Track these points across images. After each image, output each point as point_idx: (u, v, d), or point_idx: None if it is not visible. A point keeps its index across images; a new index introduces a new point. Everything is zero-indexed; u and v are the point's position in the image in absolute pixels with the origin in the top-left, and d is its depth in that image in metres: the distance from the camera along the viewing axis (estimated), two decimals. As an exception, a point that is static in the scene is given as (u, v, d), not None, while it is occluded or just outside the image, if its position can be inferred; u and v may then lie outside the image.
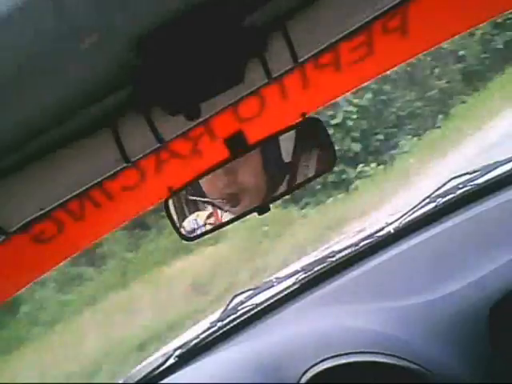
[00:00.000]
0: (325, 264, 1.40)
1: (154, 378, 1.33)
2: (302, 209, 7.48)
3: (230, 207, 0.92)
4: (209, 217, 0.94)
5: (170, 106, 0.68)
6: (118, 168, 0.77)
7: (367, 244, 1.40)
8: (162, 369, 1.34)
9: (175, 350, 1.38)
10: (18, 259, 0.89)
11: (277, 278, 1.47)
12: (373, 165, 7.84)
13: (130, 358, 5.11)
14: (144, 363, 1.46)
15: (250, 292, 1.45)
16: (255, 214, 0.91)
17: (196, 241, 0.94)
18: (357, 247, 1.41)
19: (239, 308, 1.40)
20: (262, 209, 0.89)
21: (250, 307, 1.38)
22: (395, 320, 1.18)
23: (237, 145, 0.85)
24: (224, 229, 0.93)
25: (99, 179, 0.77)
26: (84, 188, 0.77)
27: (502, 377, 1.06)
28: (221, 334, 1.35)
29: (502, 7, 0.91)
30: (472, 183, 1.42)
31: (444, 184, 1.48)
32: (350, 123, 8.16)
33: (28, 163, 0.70)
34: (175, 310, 5.89)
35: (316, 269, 1.39)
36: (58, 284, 6.87)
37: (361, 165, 7.89)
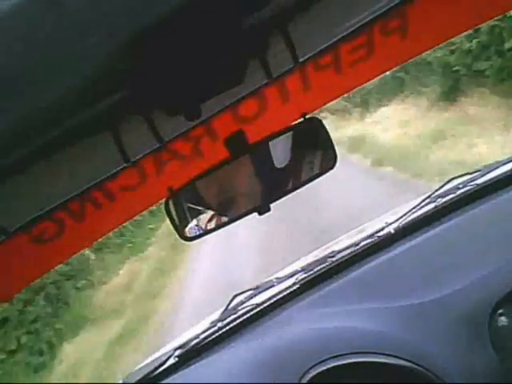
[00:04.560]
0: (325, 264, 1.40)
1: (153, 377, 1.33)
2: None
3: (230, 207, 0.92)
4: (209, 216, 0.94)
5: (169, 106, 0.68)
6: (118, 168, 0.77)
7: (367, 244, 1.40)
8: (162, 369, 1.34)
9: (175, 349, 1.38)
10: (18, 259, 0.89)
11: (277, 278, 1.47)
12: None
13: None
14: (144, 363, 1.46)
15: (250, 292, 1.45)
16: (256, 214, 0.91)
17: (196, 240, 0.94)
18: (357, 247, 1.41)
19: (239, 308, 1.40)
20: (263, 209, 0.89)
21: (250, 307, 1.38)
22: (395, 320, 1.18)
23: (237, 145, 0.85)
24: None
25: (99, 179, 0.77)
26: (84, 188, 0.77)
27: (503, 377, 1.06)
28: (221, 334, 1.35)
29: (502, 8, 0.91)
30: (472, 183, 1.42)
31: (444, 184, 1.48)
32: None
33: (28, 163, 0.70)
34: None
35: (316, 269, 1.39)
36: None
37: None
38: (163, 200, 0.90)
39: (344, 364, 1.10)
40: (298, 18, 0.70)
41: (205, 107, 0.71)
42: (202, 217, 0.93)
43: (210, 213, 0.94)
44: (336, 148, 0.90)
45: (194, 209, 0.94)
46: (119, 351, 6.27)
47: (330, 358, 1.11)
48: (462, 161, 5.78)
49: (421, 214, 1.42)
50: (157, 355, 1.46)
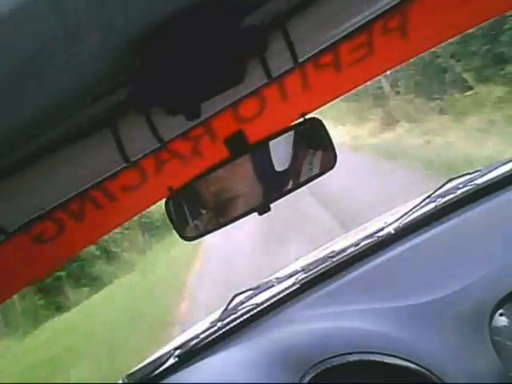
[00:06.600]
0: (325, 264, 1.40)
1: (154, 377, 1.33)
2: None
3: (231, 207, 0.92)
4: (209, 216, 0.94)
5: (170, 106, 0.68)
6: (118, 168, 0.77)
7: (367, 244, 1.40)
8: (162, 369, 1.34)
9: (175, 349, 1.38)
10: (18, 259, 0.89)
11: (277, 278, 1.47)
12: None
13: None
14: (144, 363, 1.46)
15: (250, 292, 1.45)
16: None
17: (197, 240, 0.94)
18: (357, 247, 1.41)
19: (239, 308, 1.40)
20: (262, 209, 0.89)
21: (250, 307, 1.38)
22: (395, 320, 1.18)
23: (237, 145, 0.85)
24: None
25: (99, 179, 0.77)
26: (84, 188, 0.77)
27: (503, 377, 1.06)
28: (221, 334, 1.35)
29: (502, 7, 0.91)
30: (472, 183, 1.42)
31: (444, 184, 1.49)
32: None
33: (28, 163, 0.70)
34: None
35: (316, 269, 1.39)
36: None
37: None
38: (163, 200, 0.90)
39: (344, 364, 1.10)
40: (298, 18, 0.70)
41: (205, 107, 0.71)
42: (202, 216, 0.93)
43: (210, 213, 0.94)
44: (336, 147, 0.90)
45: (195, 208, 0.94)
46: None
47: (330, 358, 1.11)
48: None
49: (421, 214, 1.42)
50: (157, 355, 1.46)
